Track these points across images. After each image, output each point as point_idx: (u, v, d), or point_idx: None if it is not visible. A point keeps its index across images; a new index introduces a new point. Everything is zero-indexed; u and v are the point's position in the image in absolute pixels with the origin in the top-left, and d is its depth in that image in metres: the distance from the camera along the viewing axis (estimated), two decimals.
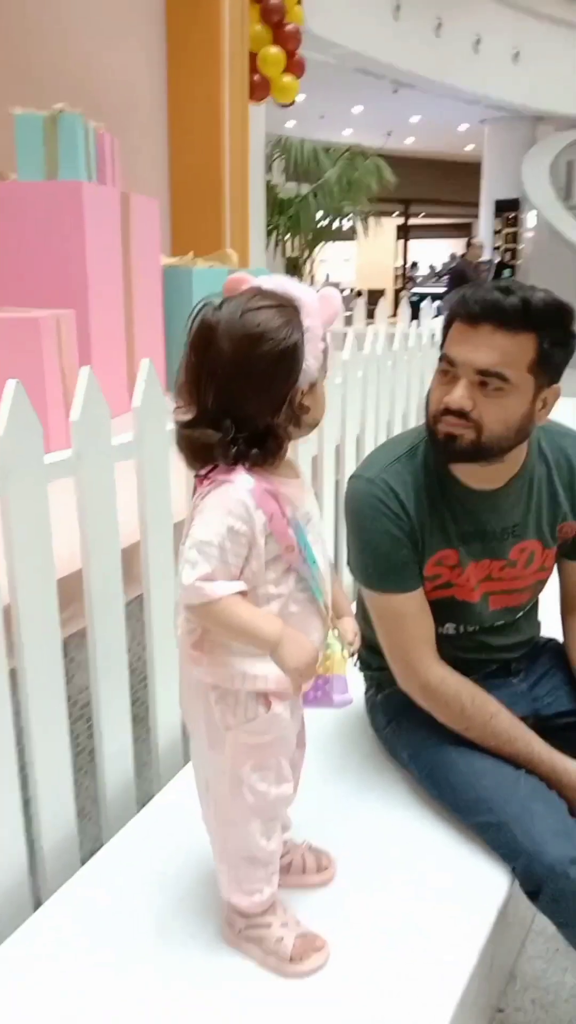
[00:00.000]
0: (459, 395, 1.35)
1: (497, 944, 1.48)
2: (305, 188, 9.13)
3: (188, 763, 1.69)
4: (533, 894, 1.33)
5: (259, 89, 5.23)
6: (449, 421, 1.37)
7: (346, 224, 9.99)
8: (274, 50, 5.20)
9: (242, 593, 1.04)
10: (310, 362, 1.00)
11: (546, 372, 1.37)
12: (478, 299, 1.33)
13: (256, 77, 5.19)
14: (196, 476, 1.08)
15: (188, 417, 1.04)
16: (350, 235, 10.03)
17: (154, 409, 1.53)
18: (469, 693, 1.49)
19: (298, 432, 1.06)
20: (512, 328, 1.31)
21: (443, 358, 1.39)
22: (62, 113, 2.95)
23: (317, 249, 9.35)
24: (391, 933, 1.26)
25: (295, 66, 5.40)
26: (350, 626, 1.19)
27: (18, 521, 1.26)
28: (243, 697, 1.10)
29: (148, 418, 1.51)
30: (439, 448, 1.42)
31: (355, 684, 1.16)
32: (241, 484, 1.03)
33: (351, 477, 1.53)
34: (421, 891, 1.35)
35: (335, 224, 9.50)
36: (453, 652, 1.54)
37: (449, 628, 1.58)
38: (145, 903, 1.31)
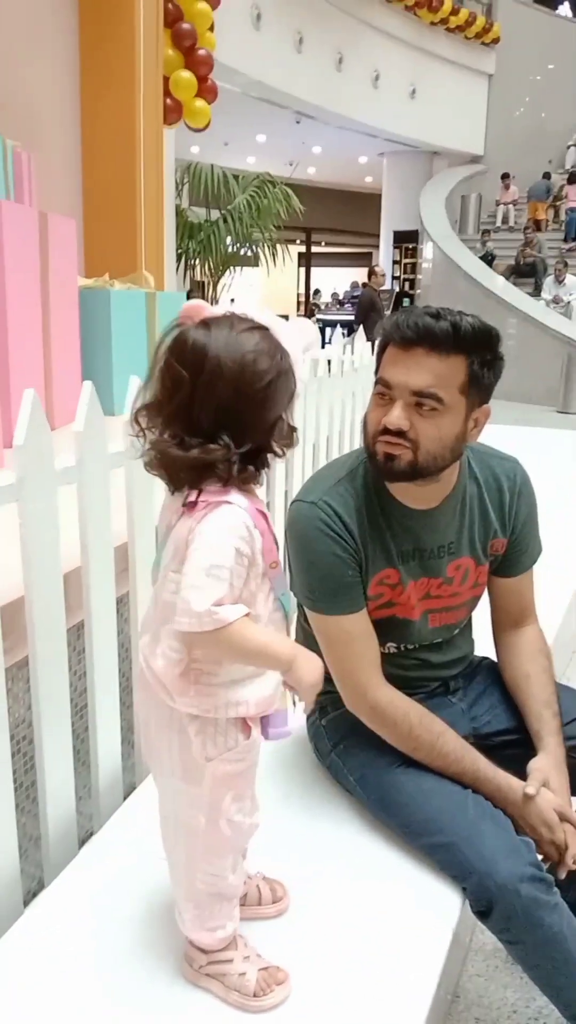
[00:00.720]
0: (396, 415, 1.38)
1: (445, 969, 1.49)
2: (215, 214, 9.18)
3: (127, 798, 1.65)
4: (484, 913, 1.35)
5: (171, 112, 5.24)
6: (388, 441, 1.40)
7: (252, 251, 10.10)
8: (186, 74, 5.23)
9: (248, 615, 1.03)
10: (297, 385, 1.04)
11: (476, 393, 1.42)
12: (410, 324, 1.37)
13: (168, 101, 5.20)
14: (185, 502, 1.05)
15: (167, 437, 1.02)
16: (254, 262, 10.16)
17: (95, 433, 1.50)
18: (417, 713, 1.50)
19: (286, 451, 1.08)
20: (443, 351, 1.36)
21: (379, 381, 1.42)
22: None
23: (227, 274, 9.40)
24: (350, 959, 1.26)
25: (207, 91, 5.45)
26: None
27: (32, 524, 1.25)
28: (223, 725, 1.09)
29: (90, 442, 1.48)
30: (379, 468, 1.44)
31: (293, 717, 1.15)
32: (240, 505, 1.03)
33: (293, 501, 1.53)
34: (376, 915, 1.35)
35: (244, 250, 9.57)
36: (395, 671, 1.56)
37: (391, 647, 1.60)
38: (97, 944, 1.26)
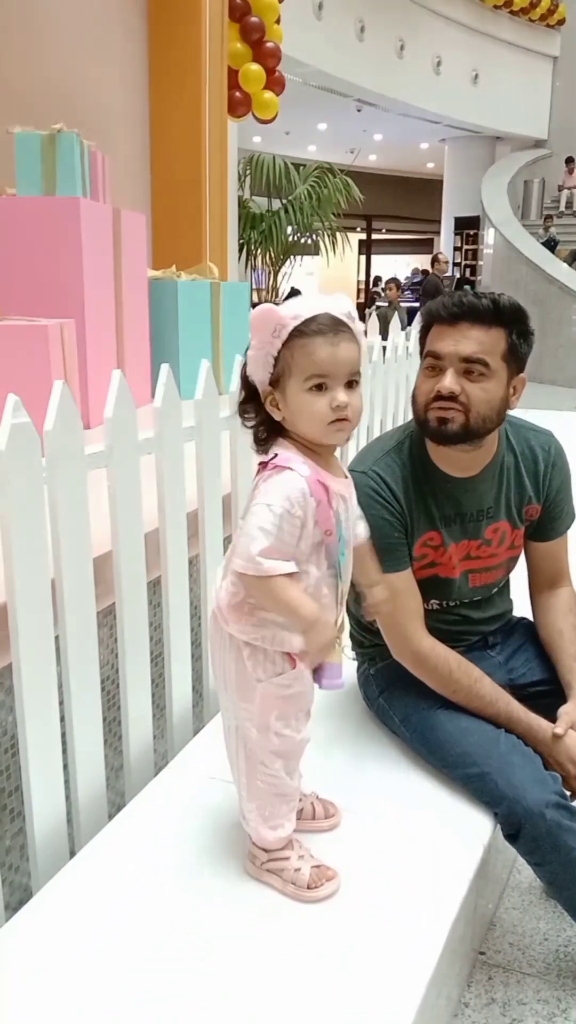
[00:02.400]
0: (449, 380, 1.56)
1: (479, 893, 1.66)
2: (276, 204, 9.35)
3: (195, 736, 1.85)
4: (513, 836, 1.52)
5: (240, 106, 5.42)
6: (441, 406, 1.57)
7: (312, 240, 10.24)
8: (255, 67, 5.40)
9: (292, 574, 1.22)
10: (254, 360, 1.22)
11: (515, 361, 1.60)
12: (455, 302, 1.55)
13: (237, 94, 5.38)
14: (260, 463, 1.27)
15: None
16: (314, 250, 10.29)
17: (171, 408, 1.70)
18: (455, 660, 1.67)
19: (295, 431, 1.24)
20: (486, 324, 1.54)
21: (428, 355, 1.60)
22: (60, 132, 3.10)
23: (288, 264, 9.57)
24: (391, 871, 1.43)
25: (275, 83, 5.61)
26: (381, 593, 1.41)
27: (61, 505, 1.42)
28: (271, 654, 1.28)
29: (167, 416, 1.68)
30: (432, 433, 1.61)
31: (347, 669, 1.35)
32: (300, 472, 1.22)
33: (347, 471, 1.71)
34: (415, 835, 1.52)
35: (304, 239, 9.73)
36: (438, 625, 1.73)
37: (434, 603, 1.77)
38: (176, 851, 1.47)
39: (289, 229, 9.20)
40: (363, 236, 23.25)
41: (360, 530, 1.39)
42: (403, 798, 1.61)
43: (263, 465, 1.25)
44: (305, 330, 1.19)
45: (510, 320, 1.56)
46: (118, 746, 1.81)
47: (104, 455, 1.53)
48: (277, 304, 1.22)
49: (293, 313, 1.19)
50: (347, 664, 1.36)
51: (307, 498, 1.21)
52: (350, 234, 12.98)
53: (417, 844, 1.50)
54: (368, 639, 1.84)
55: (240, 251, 8.37)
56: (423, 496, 1.68)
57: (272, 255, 9.21)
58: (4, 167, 3.27)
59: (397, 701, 1.77)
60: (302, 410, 1.22)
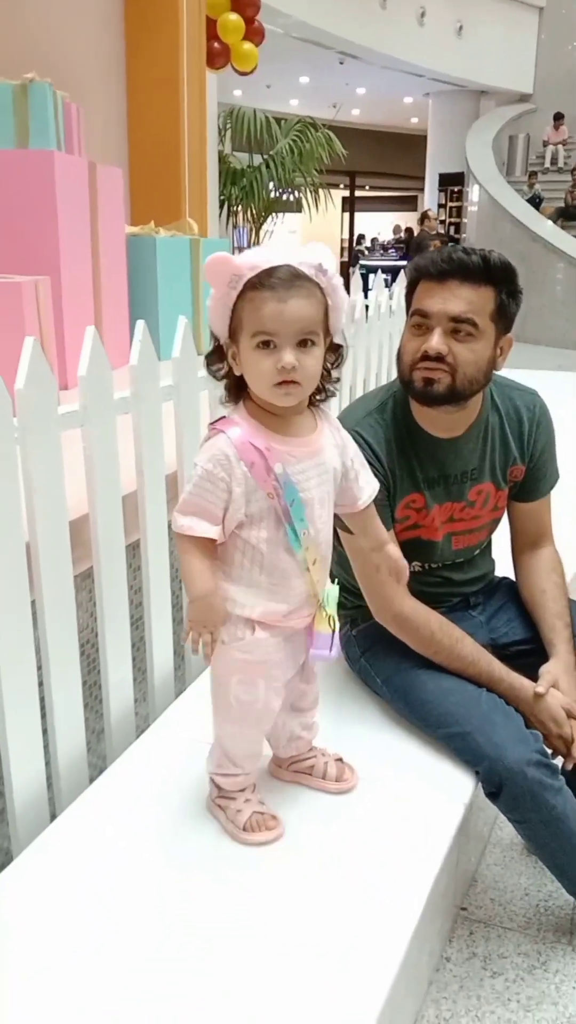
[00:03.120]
0: (436, 341, 1.52)
1: (461, 850, 1.67)
2: (257, 159, 9.17)
3: (180, 695, 1.84)
4: (494, 794, 1.52)
5: (219, 57, 5.29)
6: (427, 366, 1.54)
7: (293, 196, 10.07)
8: (234, 17, 5.25)
9: (211, 541, 1.22)
10: (211, 310, 1.18)
11: (503, 321, 1.56)
12: (444, 258, 1.51)
13: (215, 45, 5.24)
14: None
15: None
16: (297, 207, 10.13)
17: (149, 367, 1.66)
18: (437, 621, 1.66)
19: (256, 389, 1.21)
20: (475, 281, 1.50)
21: (415, 313, 1.56)
22: (32, 83, 3.00)
23: (269, 221, 9.41)
24: (372, 829, 1.44)
25: (254, 33, 5.47)
26: (394, 552, 1.41)
27: (35, 467, 1.39)
28: (234, 618, 1.27)
29: (144, 375, 1.64)
30: (417, 394, 1.58)
31: (335, 644, 1.35)
32: (230, 434, 1.20)
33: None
34: (398, 793, 1.52)
35: (285, 196, 9.56)
36: (420, 588, 1.72)
37: (416, 566, 1.75)
38: (152, 811, 1.46)
39: (271, 185, 9.04)
40: (346, 193, 22.93)
41: (363, 490, 1.37)
42: (385, 758, 1.61)
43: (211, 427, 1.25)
44: (257, 283, 1.14)
45: (500, 279, 1.52)
46: (100, 709, 1.80)
47: (79, 414, 1.49)
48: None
49: (251, 263, 1.14)
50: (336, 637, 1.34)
51: (232, 460, 1.19)
52: (333, 191, 12.79)
53: (399, 802, 1.50)
54: (350, 600, 1.82)
55: (221, 207, 8.22)
56: (406, 457, 1.66)
57: (254, 211, 9.05)
58: None
59: (379, 662, 1.76)
60: (250, 369, 1.19)
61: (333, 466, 1.30)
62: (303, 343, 1.16)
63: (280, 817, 1.41)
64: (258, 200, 8.84)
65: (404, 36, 13.27)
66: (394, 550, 1.42)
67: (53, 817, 1.51)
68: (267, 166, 8.81)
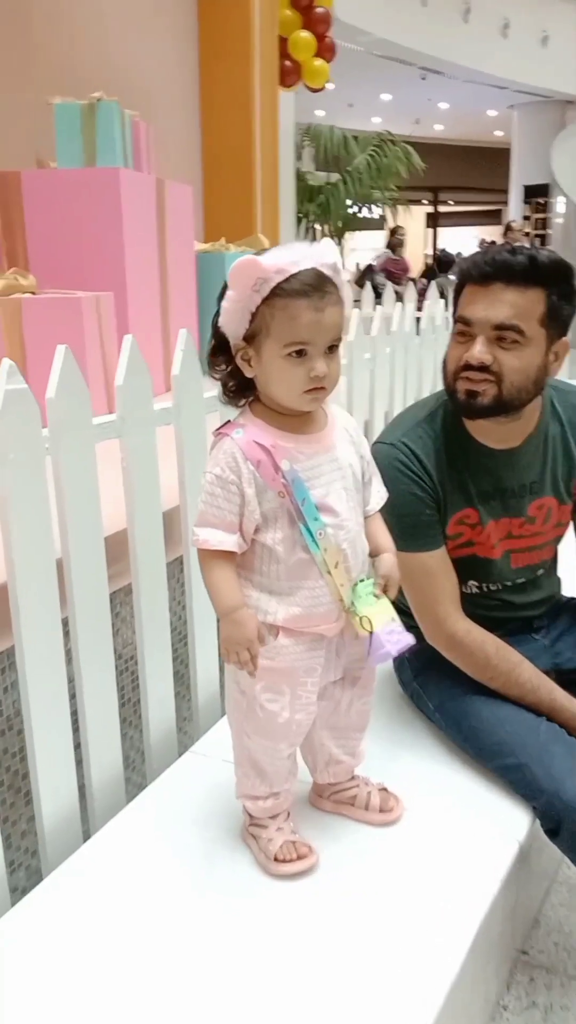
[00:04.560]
0: (478, 350, 1.43)
1: (520, 887, 1.55)
2: (335, 176, 9.17)
3: (225, 716, 1.78)
4: (553, 832, 1.41)
5: (290, 75, 5.29)
6: (470, 377, 1.45)
7: (376, 212, 10.00)
8: (304, 34, 5.25)
9: (231, 554, 1.17)
10: (227, 313, 1.11)
11: (556, 325, 1.45)
12: (488, 260, 1.42)
13: (287, 63, 5.24)
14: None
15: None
16: (378, 224, 10.06)
17: (192, 377, 1.62)
18: (493, 644, 1.56)
19: (264, 392, 1.16)
20: (522, 284, 1.40)
21: (458, 320, 1.47)
22: (100, 101, 3.04)
23: (346, 237, 9.37)
24: (419, 863, 1.34)
25: (326, 50, 5.45)
26: (387, 561, 1.29)
27: (68, 479, 1.36)
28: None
29: (186, 385, 1.60)
30: (461, 406, 1.49)
31: (391, 643, 1.26)
32: (234, 436, 1.15)
33: (374, 443, 1.61)
34: (447, 828, 1.43)
35: (364, 211, 9.52)
36: (477, 610, 1.62)
37: (472, 586, 1.65)
38: (186, 834, 1.41)
39: (348, 201, 9.00)
40: (430, 209, 22.76)
41: (371, 496, 1.30)
42: (435, 789, 1.52)
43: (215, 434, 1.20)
44: (288, 288, 1.08)
45: (550, 279, 1.42)
46: (141, 727, 1.75)
47: (115, 425, 1.45)
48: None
49: (276, 267, 1.07)
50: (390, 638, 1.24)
51: (239, 461, 1.14)
52: (416, 207, 12.67)
53: (448, 837, 1.41)
54: (404, 623, 1.73)
55: (298, 224, 8.23)
56: (458, 470, 1.57)
57: (331, 228, 9.03)
58: (47, 140, 3.22)
59: (432, 686, 1.67)
60: (277, 376, 1.13)
61: (349, 462, 1.23)
62: (330, 348, 1.13)
63: (315, 848, 1.34)
64: (335, 216, 8.81)
65: (487, 49, 13.08)
66: (388, 559, 1.31)
67: (87, 836, 1.46)
68: (344, 182, 8.78)
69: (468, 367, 1.45)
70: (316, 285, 1.08)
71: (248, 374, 1.15)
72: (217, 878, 1.32)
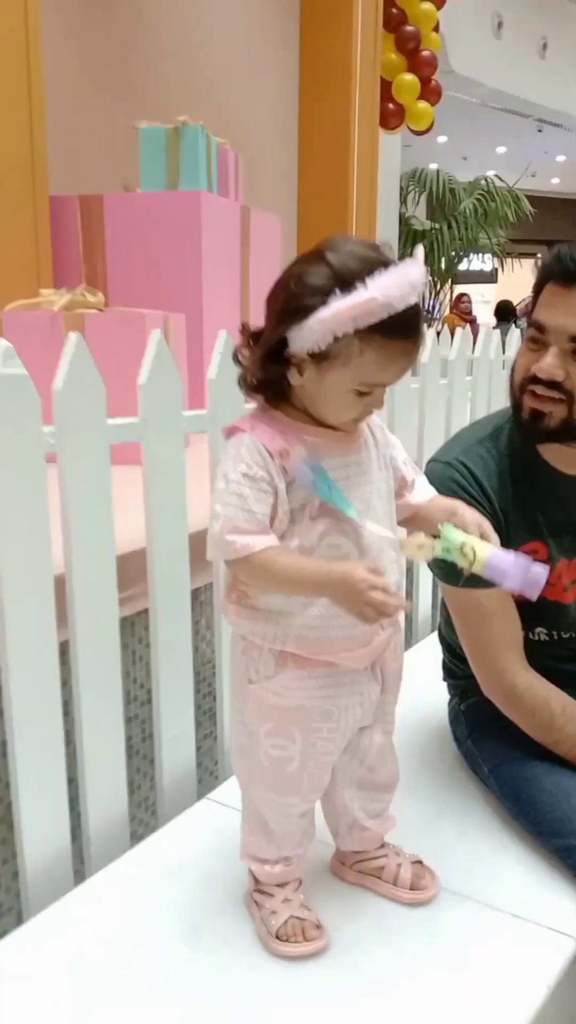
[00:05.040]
0: (548, 362, 1.23)
1: None
2: (442, 223, 9.04)
3: None
4: None
5: (393, 117, 5.23)
6: (537, 393, 1.25)
7: (487, 265, 9.80)
8: (409, 77, 5.19)
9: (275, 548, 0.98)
10: (310, 328, 0.91)
11: None
12: (574, 257, 1.21)
13: (390, 105, 5.19)
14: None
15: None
16: (492, 278, 9.84)
17: (231, 382, 1.48)
18: (560, 702, 1.34)
19: (304, 404, 0.99)
20: None
21: (532, 324, 1.28)
22: (185, 125, 3.01)
23: (448, 285, 9.20)
24: (448, 954, 1.12)
25: (431, 92, 5.37)
26: (466, 510, 1.05)
27: (75, 484, 1.23)
28: (264, 653, 1.04)
29: (223, 390, 1.46)
30: (523, 426, 1.30)
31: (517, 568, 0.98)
32: (252, 430, 0.99)
33: (429, 461, 1.42)
34: (490, 914, 1.20)
35: (471, 258, 9.35)
36: (545, 662, 1.40)
37: (541, 633, 1.44)
38: (187, 889, 1.24)
39: (456, 247, 8.84)
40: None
41: (418, 490, 1.12)
42: (480, 867, 1.29)
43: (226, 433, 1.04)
44: (390, 327, 0.91)
45: None
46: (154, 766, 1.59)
47: (137, 427, 1.32)
48: None
49: (387, 302, 0.89)
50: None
51: (264, 455, 0.97)
52: (528, 260, 12.41)
53: (490, 926, 1.18)
54: (461, 669, 1.53)
55: None
56: (523, 497, 1.36)
57: (436, 273, 8.87)
58: (135, 165, 3.22)
59: (487, 746, 1.45)
60: (333, 402, 0.98)
61: (376, 465, 1.06)
62: None
63: (326, 927, 1.13)
64: (438, 261, 8.66)
65: None
66: (464, 508, 1.06)
67: (80, 880, 1.31)
68: (449, 226, 8.64)
69: (536, 380, 1.26)
70: (416, 326, 0.94)
71: (293, 382, 0.97)
72: (208, 943, 1.13)
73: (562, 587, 1.40)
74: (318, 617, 1.00)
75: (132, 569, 1.46)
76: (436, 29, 5.43)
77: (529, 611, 1.40)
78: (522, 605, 1.39)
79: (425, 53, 5.24)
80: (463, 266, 9.87)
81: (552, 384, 1.24)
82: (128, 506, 1.40)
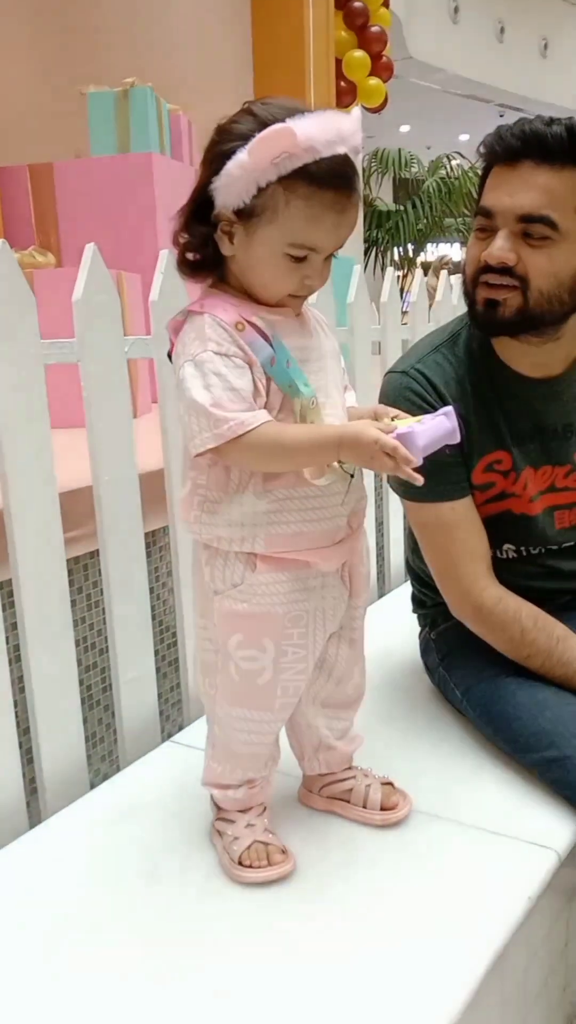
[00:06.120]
0: (499, 246, 1.17)
1: (571, 920, 1.25)
2: (406, 202, 9.03)
3: None
4: None
5: (345, 95, 5.16)
6: (490, 281, 1.19)
7: (455, 253, 9.78)
8: (358, 53, 5.12)
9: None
10: (229, 175, 0.87)
11: None
12: (516, 132, 1.16)
13: (341, 83, 5.13)
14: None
15: None
16: (458, 269, 9.80)
17: (175, 305, 1.41)
18: (530, 615, 1.28)
19: (239, 277, 0.94)
20: (557, 162, 1.14)
21: (479, 212, 1.22)
22: (133, 87, 2.95)
23: (420, 256, 9.14)
24: (421, 876, 1.06)
25: (382, 68, 5.30)
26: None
27: (7, 409, 1.16)
28: (231, 559, 0.98)
29: (167, 313, 1.39)
30: (478, 319, 1.24)
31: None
32: (205, 308, 0.92)
33: (386, 373, 1.36)
34: (466, 833, 1.14)
35: (437, 246, 9.34)
36: (515, 579, 1.34)
37: (509, 550, 1.38)
38: (150, 825, 1.18)
39: (420, 225, 8.81)
40: None
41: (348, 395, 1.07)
42: (454, 787, 1.24)
43: (175, 325, 0.96)
44: (316, 174, 0.86)
45: None
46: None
47: (72, 347, 1.25)
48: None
49: (309, 144, 0.84)
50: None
51: (229, 329, 0.90)
52: None
53: (466, 845, 1.12)
54: (430, 597, 1.48)
55: (368, 251, 8.09)
56: (485, 403, 1.31)
57: (401, 255, 8.85)
58: (84, 131, 3.15)
59: (458, 669, 1.40)
60: (265, 271, 0.92)
61: (331, 352, 1.01)
62: (331, 254, 0.94)
63: (292, 853, 1.07)
64: (405, 241, 8.63)
65: (567, 84, 12.91)
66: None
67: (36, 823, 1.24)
68: (413, 205, 8.61)
69: (487, 269, 1.20)
70: (347, 177, 0.88)
71: (225, 251, 0.92)
72: (168, 878, 1.06)
73: (528, 498, 1.34)
74: (298, 512, 0.95)
75: (83, 507, 1.40)
76: (386, 5, 5.38)
77: (498, 528, 1.34)
78: (489, 521, 1.33)
79: (375, 29, 5.18)
80: (431, 255, 9.84)
81: (504, 270, 1.18)
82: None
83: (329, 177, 0.86)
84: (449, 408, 0.95)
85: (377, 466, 0.88)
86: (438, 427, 0.92)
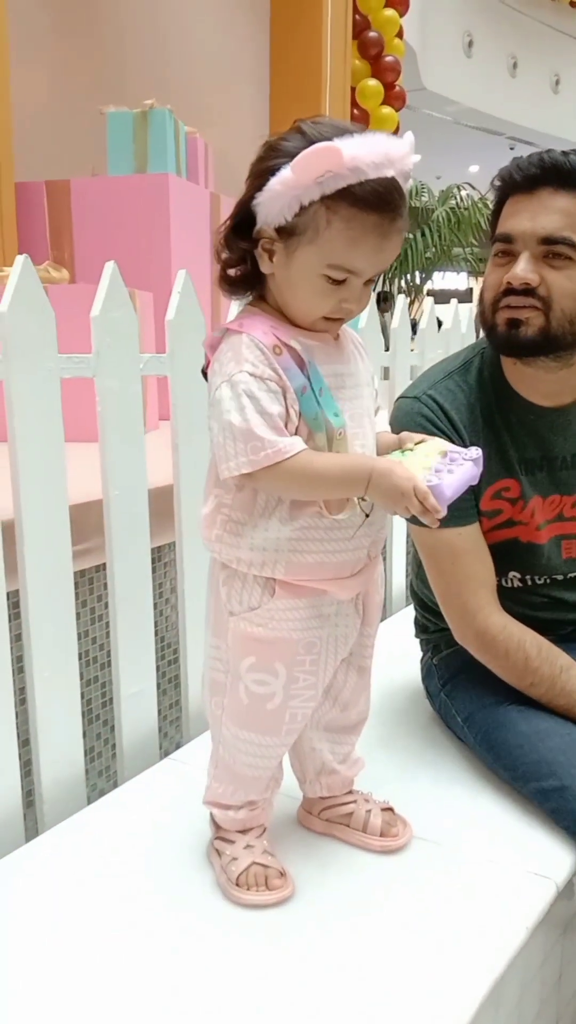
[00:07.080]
0: (521, 268, 1.19)
1: (566, 953, 1.24)
2: (415, 231, 9.09)
3: None
4: None
5: (357, 122, 5.24)
6: (513, 303, 1.21)
7: (463, 282, 9.86)
8: (372, 82, 5.20)
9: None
10: (272, 191, 0.87)
11: None
12: (534, 161, 1.19)
13: (354, 111, 5.20)
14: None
15: None
16: (467, 297, 9.88)
17: (192, 325, 1.43)
18: (534, 643, 1.28)
19: (276, 297, 0.94)
20: (574, 187, 1.17)
21: (497, 239, 1.24)
22: (152, 109, 2.99)
23: (428, 285, 9.19)
24: (420, 903, 1.05)
25: (394, 98, 5.37)
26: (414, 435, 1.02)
27: (23, 417, 1.17)
28: (249, 582, 0.97)
29: (183, 334, 1.41)
30: (500, 341, 1.25)
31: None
32: (243, 328, 0.91)
33: (397, 398, 1.37)
34: (465, 862, 1.13)
35: (444, 275, 9.40)
36: (520, 609, 1.34)
37: (514, 579, 1.38)
38: (148, 843, 1.17)
39: (428, 254, 8.88)
40: None
41: (380, 418, 1.07)
42: (454, 814, 1.23)
43: (212, 344, 0.95)
44: (359, 195, 0.85)
45: None
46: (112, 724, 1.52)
47: (89, 361, 1.26)
48: None
49: (353, 163, 0.84)
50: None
51: (266, 352, 0.90)
52: None
53: (466, 873, 1.11)
54: (433, 623, 1.48)
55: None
56: (495, 430, 1.32)
57: (408, 283, 8.91)
58: (102, 150, 3.19)
59: (461, 695, 1.39)
60: (302, 291, 0.91)
61: (366, 380, 1.01)
62: (372, 279, 0.93)
63: (291, 876, 1.06)
64: (412, 270, 8.69)
65: None
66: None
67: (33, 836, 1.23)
68: (422, 234, 8.68)
69: (510, 291, 1.21)
70: (392, 202, 0.87)
71: (264, 269, 0.92)
72: (165, 895, 1.06)
73: (535, 526, 1.35)
74: (317, 542, 0.95)
75: (92, 521, 1.40)
76: (399, 35, 5.46)
77: (504, 556, 1.35)
78: (496, 549, 1.34)
79: (388, 59, 5.25)
80: (439, 284, 9.92)
81: (527, 292, 1.19)
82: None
83: (373, 199, 0.85)
84: (479, 453, 0.95)
85: (402, 508, 0.88)
86: (465, 474, 0.93)
